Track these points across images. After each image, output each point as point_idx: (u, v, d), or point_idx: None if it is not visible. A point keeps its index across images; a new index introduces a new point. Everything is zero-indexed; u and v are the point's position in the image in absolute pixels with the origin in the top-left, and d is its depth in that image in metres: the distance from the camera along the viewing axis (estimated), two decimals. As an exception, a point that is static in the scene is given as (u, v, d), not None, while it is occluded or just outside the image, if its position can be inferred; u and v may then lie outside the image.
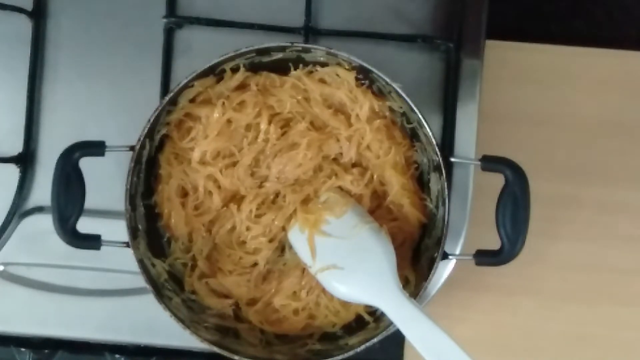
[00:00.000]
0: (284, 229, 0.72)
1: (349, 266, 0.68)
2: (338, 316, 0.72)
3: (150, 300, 0.67)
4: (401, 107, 0.71)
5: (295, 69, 0.72)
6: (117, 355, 0.82)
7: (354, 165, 0.73)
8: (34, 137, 0.79)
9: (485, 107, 0.78)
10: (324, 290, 0.71)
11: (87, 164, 0.68)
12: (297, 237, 0.70)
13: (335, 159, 0.73)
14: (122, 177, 0.68)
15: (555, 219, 0.82)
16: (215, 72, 0.71)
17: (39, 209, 0.78)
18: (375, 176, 0.72)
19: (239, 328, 0.72)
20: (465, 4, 0.78)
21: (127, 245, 0.68)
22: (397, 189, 0.71)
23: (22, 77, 0.78)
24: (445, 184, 0.68)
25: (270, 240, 0.72)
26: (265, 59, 0.71)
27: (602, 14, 0.90)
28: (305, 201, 0.71)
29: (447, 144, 0.77)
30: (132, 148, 0.68)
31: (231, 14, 0.78)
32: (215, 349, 0.67)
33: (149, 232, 0.72)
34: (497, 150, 0.69)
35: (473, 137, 0.77)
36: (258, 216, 0.72)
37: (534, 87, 0.83)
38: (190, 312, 0.71)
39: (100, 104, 0.79)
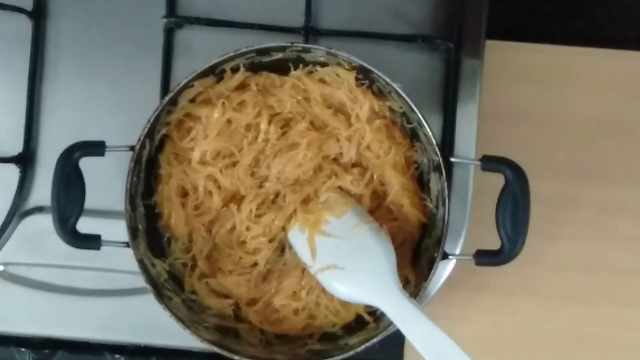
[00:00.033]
0: (284, 229, 0.72)
1: (349, 266, 0.68)
2: (338, 316, 0.72)
3: (150, 300, 0.67)
4: (401, 107, 0.71)
5: (295, 69, 0.72)
6: (117, 355, 0.82)
7: (354, 165, 0.73)
8: (34, 137, 0.79)
9: (485, 107, 0.78)
10: (324, 290, 0.71)
11: (87, 164, 0.68)
12: (297, 237, 0.70)
13: (335, 159, 0.73)
14: (122, 177, 0.68)
15: (555, 219, 0.82)
16: (215, 72, 0.71)
17: (39, 209, 0.78)
18: (375, 176, 0.72)
19: (239, 328, 0.72)
20: (465, 4, 0.78)
21: (127, 245, 0.68)
22: (397, 189, 0.71)
23: (22, 77, 0.78)
24: (445, 184, 0.68)
25: (270, 240, 0.72)
26: (265, 59, 0.71)
27: (602, 14, 0.90)
28: (305, 201, 0.71)
29: (447, 144, 0.77)
30: (132, 148, 0.68)
31: (231, 14, 0.78)
32: (215, 349, 0.67)
33: (149, 232, 0.72)
34: (497, 150, 0.69)
35: (473, 137, 0.77)
36: (258, 216, 0.72)
37: (534, 87, 0.83)
38: (190, 312, 0.71)
39: (100, 104, 0.79)
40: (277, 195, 0.72)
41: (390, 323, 0.66)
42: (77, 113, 0.79)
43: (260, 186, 0.72)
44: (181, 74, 0.73)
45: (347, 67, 0.70)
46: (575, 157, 0.83)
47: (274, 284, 0.73)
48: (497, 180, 0.67)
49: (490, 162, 0.68)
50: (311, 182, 0.72)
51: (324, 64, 0.72)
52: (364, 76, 0.71)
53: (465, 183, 0.77)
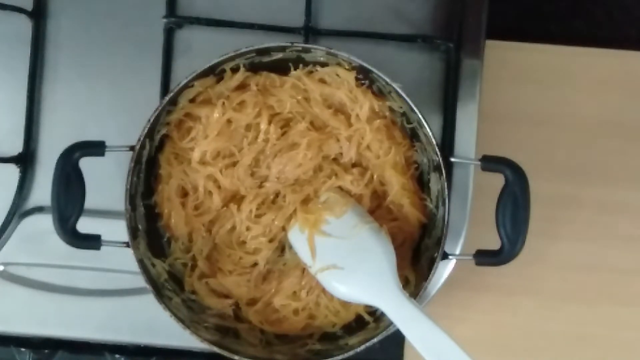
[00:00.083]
0: (284, 229, 0.72)
1: (349, 266, 0.68)
2: (338, 316, 0.72)
3: (150, 300, 0.67)
4: (401, 107, 0.71)
5: (295, 69, 0.72)
6: (117, 355, 0.82)
7: (354, 165, 0.73)
8: (34, 137, 0.79)
9: (485, 107, 0.78)
10: (324, 290, 0.71)
11: (87, 164, 0.68)
12: (297, 237, 0.70)
13: (335, 159, 0.73)
14: (122, 177, 0.68)
15: (555, 219, 0.82)
16: (215, 72, 0.71)
17: (39, 209, 0.78)
18: (375, 176, 0.72)
19: (239, 328, 0.72)
20: (465, 4, 0.78)
21: (127, 245, 0.68)
22: (397, 189, 0.71)
23: (22, 77, 0.78)
24: (445, 184, 0.68)
25: (270, 240, 0.72)
26: (265, 59, 0.71)
27: (602, 14, 0.90)
28: (305, 201, 0.71)
29: (447, 144, 0.77)
30: (132, 148, 0.68)
31: (231, 14, 0.78)
32: (215, 349, 0.67)
33: (149, 232, 0.72)
34: (497, 150, 0.69)
35: (473, 137, 0.77)
36: (258, 216, 0.72)
37: (534, 87, 0.83)
38: (190, 312, 0.71)
39: (100, 104, 0.79)
40: (277, 195, 0.72)
41: (390, 323, 0.66)
42: (77, 113, 0.79)
43: (260, 186, 0.72)
44: (181, 74, 0.73)
45: (347, 67, 0.70)
46: (575, 157, 0.83)
47: (274, 284, 0.73)
48: (497, 180, 0.67)
49: (490, 162, 0.68)
50: (311, 182, 0.72)
51: (324, 64, 0.71)
52: (364, 76, 0.71)
53: (465, 183, 0.77)
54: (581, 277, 0.82)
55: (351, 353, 0.67)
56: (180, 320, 0.67)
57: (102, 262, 0.77)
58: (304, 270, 0.72)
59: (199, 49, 0.78)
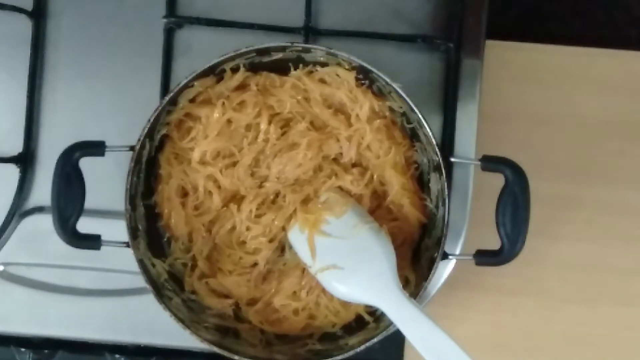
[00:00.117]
0: (284, 229, 0.72)
1: (349, 266, 0.68)
2: (338, 316, 0.72)
3: (150, 300, 0.67)
4: (401, 107, 0.71)
5: (295, 69, 0.72)
6: (117, 355, 0.82)
7: (354, 165, 0.73)
8: (34, 137, 0.79)
9: (485, 107, 0.78)
10: (324, 290, 0.71)
11: (87, 164, 0.68)
12: (297, 237, 0.70)
13: (335, 159, 0.73)
14: (122, 177, 0.68)
15: (555, 219, 0.82)
16: (215, 72, 0.71)
17: (39, 209, 0.78)
18: (375, 176, 0.72)
19: (239, 328, 0.72)
20: (465, 4, 0.78)
21: (127, 245, 0.68)
22: (397, 189, 0.71)
23: (22, 77, 0.78)
24: (445, 184, 0.68)
25: (270, 240, 0.72)
26: (265, 59, 0.71)
27: (602, 14, 0.90)
28: (305, 201, 0.71)
29: (447, 144, 0.77)
30: (132, 148, 0.68)
31: (231, 14, 0.78)
32: (215, 349, 0.67)
33: (149, 232, 0.72)
34: (497, 150, 0.69)
35: (473, 137, 0.77)
36: (258, 216, 0.72)
37: (534, 87, 0.83)
38: (190, 312, 0.71)
39: (100, 104, 0.79)
40: (277, 195, 0.72)
41: (390, 323, 0.66)
42: (77, 113, 0.79)
43: (260, 186, 0.72)
44: (181, 74, 0.73)
45: (347, 67, 0.70)
46: (575, 157, 0.83)
47: (274, 284, 0.73)
48: (497, 180, 0.67)
49: (490, 162, 0.68)
50: (311, 182, 0.72)
51: (324, 64, 0.71)
52: (364, 76, 0.71)
53: (465, 183, 0.77)
54: (581, 277, 0.82)
55: (351, 353, 0.67)
56: (180, 320, 0.67)
57: (102, 262, 0.77)
58: (304, 270, 0.72)
59: (199, 49, 0.78)
